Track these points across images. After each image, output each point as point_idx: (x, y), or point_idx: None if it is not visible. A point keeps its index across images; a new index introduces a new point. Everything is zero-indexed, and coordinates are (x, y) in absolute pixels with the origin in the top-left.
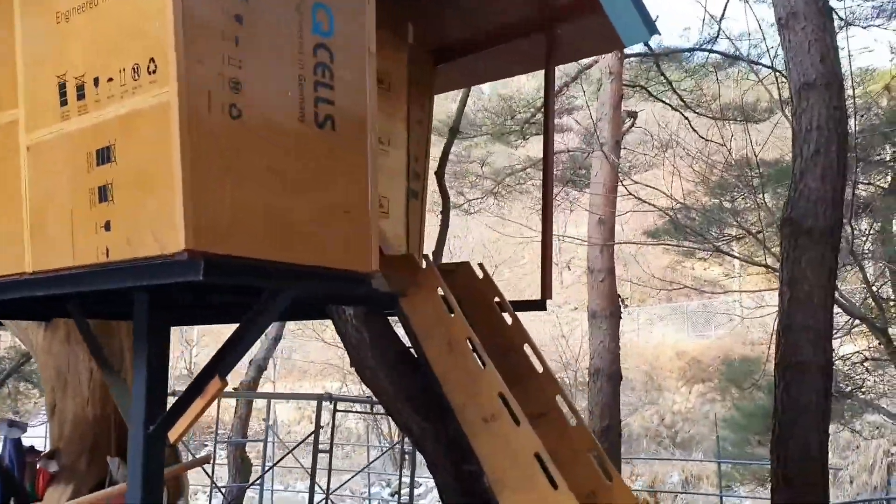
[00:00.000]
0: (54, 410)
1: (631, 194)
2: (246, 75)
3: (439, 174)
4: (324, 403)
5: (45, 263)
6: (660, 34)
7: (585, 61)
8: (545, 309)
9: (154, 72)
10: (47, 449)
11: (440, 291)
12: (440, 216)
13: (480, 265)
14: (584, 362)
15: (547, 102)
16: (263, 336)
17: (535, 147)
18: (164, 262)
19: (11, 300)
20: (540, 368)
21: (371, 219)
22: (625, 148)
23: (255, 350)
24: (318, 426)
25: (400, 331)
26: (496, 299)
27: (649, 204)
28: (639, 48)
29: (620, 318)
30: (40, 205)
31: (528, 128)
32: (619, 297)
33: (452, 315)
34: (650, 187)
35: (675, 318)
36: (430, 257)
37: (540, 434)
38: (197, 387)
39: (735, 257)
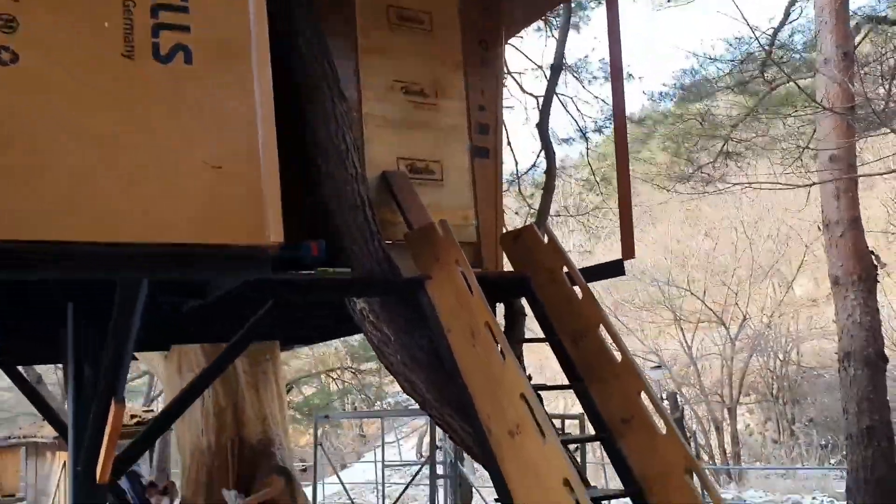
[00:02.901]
0: (179, 442)
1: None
2: (26, 8)
3: (541, 125)
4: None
5: None
6: None
7: None
8: (623, 273)
9: None
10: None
11: (460, 267)
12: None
13: (546, 227)
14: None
15: (610, 12)
16: None
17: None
18: None
19: None
20: (619, 357)
21: (264, 173)
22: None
23: None
24: (433, 447)
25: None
26: (564, 269)
27: None
28: None
29: (876, 282)
30: None
31: (772, 69)
32: (873, 253)
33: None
34: None
35: None
36: (447, 223)
37: (625, 446)
38: (99, 421)
39: None
